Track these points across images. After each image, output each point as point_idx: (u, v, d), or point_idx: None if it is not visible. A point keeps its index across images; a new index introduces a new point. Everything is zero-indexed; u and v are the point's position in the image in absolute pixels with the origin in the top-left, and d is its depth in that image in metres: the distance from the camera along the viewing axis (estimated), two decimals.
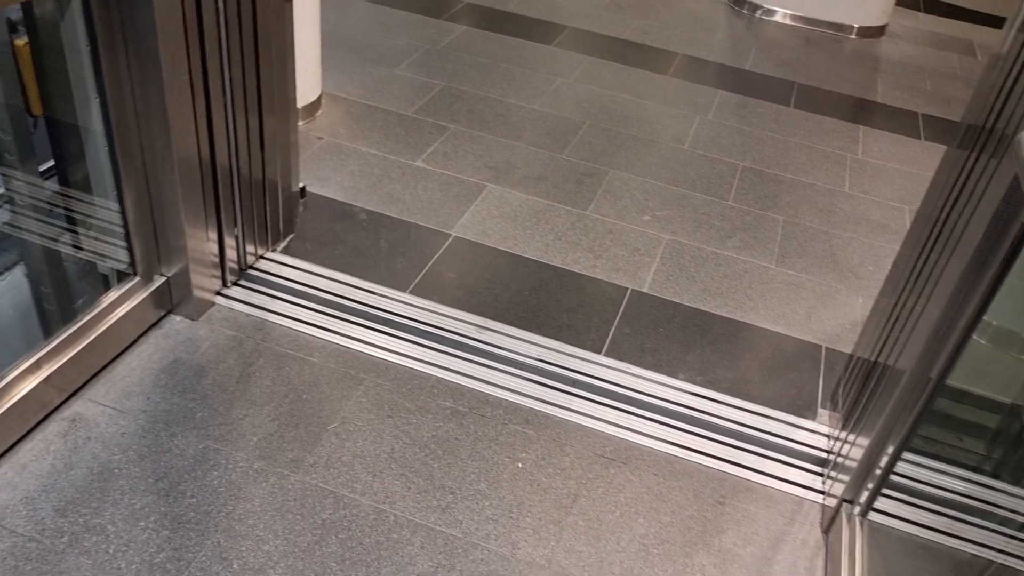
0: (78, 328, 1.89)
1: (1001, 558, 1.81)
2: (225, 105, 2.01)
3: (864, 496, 1.69)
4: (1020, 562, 1.79)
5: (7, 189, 2.09)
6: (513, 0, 4.52)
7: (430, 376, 2.07)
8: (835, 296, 2.57)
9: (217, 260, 2.20)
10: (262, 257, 2.39)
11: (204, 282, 2.15)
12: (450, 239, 2.57)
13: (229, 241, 2.21)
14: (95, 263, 2.13)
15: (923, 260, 1.69)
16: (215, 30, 1.88)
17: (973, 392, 2.19)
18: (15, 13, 1.76)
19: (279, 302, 2.23)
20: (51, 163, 2.07)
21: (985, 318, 2.38)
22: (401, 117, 3.18)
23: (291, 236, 2.49)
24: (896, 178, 3.30)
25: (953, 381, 2.12)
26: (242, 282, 2.29)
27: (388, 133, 3.07)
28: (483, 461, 1.87)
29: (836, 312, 2.50)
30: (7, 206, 2.11)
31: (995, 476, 2.00)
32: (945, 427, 2.08)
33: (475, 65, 3.68)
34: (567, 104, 3.48)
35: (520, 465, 1.87)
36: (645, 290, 2.48)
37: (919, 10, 5.39)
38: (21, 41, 1.80)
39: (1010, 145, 1.30)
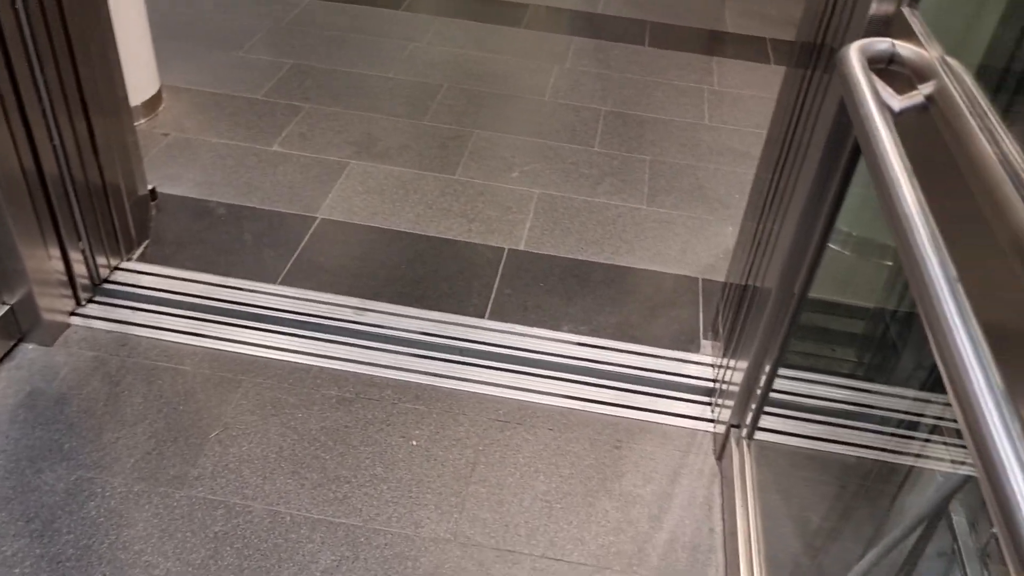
0: None
1: (884, 456, 1.91)
2: (44, 111, 1.86)
3: (749, 418, 1.74)
4: (899, 457, 1.89)
5: None
6: None
7: (311, 367, 2.00)
8: (706, 228, 2.63)
9: (65, 278, 2.05)
10: (117, 268, 2.25)
11: (54, 304, 2.01)
12: (317, 222, 2.48)
13: (75, 256, 2.07)
14: None
15: (775, 182, 1.73)
16: (17, 32, 1.72)
17: (842, 303, 2.29)
18: None
19: (141, 313, 2.11)
20: None
21: (846, 229, 2.48)
22: (251, 102, 3.04)
23: (146, 242, 2.35)
24: (752, 105, 3.38)
25: (822, 294, 2.21)
26: (98, 298, 2.15)
27: (239, 120, 2.93)
28: (376, 445, 1.83)
29: (709, 244, 2.56)
30: None
31: (868, 380, 2.10)
32: (819, 340, 2.16)
33: (323, 39, 3.55)
34: (423, 68, 3.40)
35: (415, 443, 1.84)
36: (522, 248, 2.46)
37: None
38: None
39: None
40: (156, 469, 1.74)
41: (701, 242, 2.56)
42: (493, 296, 2.27)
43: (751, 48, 3.89)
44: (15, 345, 2.00)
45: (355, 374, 1.99)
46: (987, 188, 0.87)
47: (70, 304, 2.09)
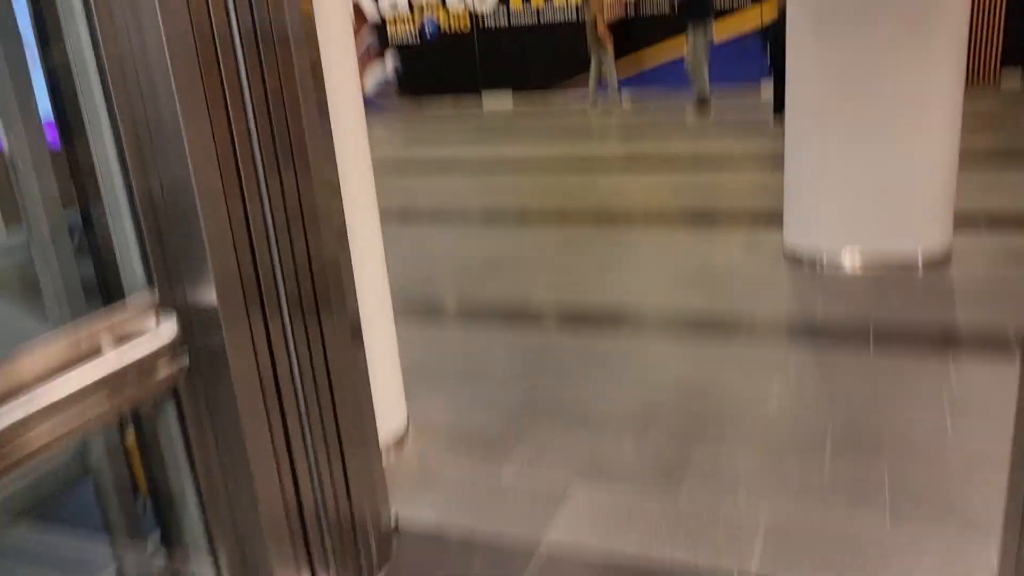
0: None
1: None
2: (307, 455, 2.13)
3: None
4: None
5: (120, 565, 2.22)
6: (583, 297, 4.78)
7: None
8: (964, 551, 2.35)
9: None
10: None
11: None
12: (543, 554, 2.51)
13: None
14: None
15: None
16: (291, 386, 2.05)
17: None
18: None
19: None
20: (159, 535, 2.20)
21: None
22: (486, 434, 3.27)
23: (387, 566, 2.49)
24: (1001, 408, 3.12)
25: None
26: None
27: (474, 453, 3.14)
28: None
29: (970, 569, 2.27)
30: None
31: None
32: None
33: (552, 370, 3.83)
34: (644, 390, 3.53)
35: None
36: (753, 572, 2.32)
37: (981, 228, 5.41)
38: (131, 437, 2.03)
39: None
40: None
41: (959, 567, 2.28)
42: None
43: (991, 346, 3.68)
44: None
45: None
46: None
47: None
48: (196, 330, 1.82)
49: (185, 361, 1.83)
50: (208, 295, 1.79)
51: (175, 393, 1.87)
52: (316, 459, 2.16)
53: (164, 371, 1.78)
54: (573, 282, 5.12)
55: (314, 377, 2.14)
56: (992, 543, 2.35)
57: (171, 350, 1.78)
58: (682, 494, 2.74)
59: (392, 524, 2.63)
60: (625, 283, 5.03)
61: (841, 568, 2.32)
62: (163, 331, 1.77)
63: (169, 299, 1.81)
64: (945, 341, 3.82)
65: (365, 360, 2.40)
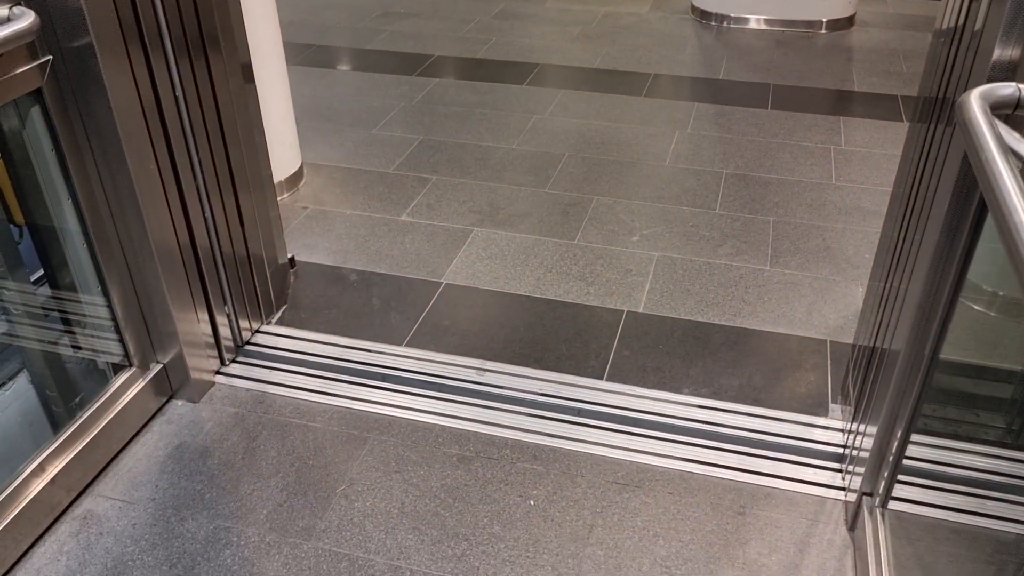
0: (79, 425, 1.91)
1: None
2: (198, 189, 2.04)
3: (882, 486, 1.65)
4: None
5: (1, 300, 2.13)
6: (483, 46, 4.60)
7: (434, 426, 2.06)
8: (834, 289, 2.54)
9: (212, 340, 2.21)
10: (258, 331, 2.40)
11: (201, 363, 2.17)
12: (441, 287, 2.58)
13: (221, 320, 2.23)
14: (93, 360, 2.15)
15: (901, 239, 1.67)
16: (177, 118, 1.92)
17: (989, 366, 2.15)
18: None
19: (278, 373, 2.24)
20: (40, 271, 2.11)
21: (991, 288, 2.34)
22: (383, 175, 3.22)
23: (284, 307, 2.51)
24: (883, 163, 3.28)
25: (965, 357, 2.08)
26: (240, 358, 2.30)
27: (371, 193, 3.10)
28: (494, 504, 1.85)
29: (837, 304, 2.47)
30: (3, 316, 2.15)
31: (1020, 448, 1.94)
32: (963, 405, 2.03)
33: (451, 115, 3.73)
34: (545, 139, 3.51)
35: (532, 503, 1.85)
36: (640, 310, 2.46)
37: None
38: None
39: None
40: (287, 521, 1.82)
41: (828, 303, 2.48)
42: (611, 358, 2.27)
43: (881, 106, 3.79)
44: (167, 401, 2.16)
45: (475, 433, 2.03)
46: None
47: (215, 364, 2.25)
48: (58, 28, 1.63)
49: (48, 56, 1.65)
50: None
51: (42, 102, 1.70)
52: (208, 197, 2.07)
53: (22, 63, 1.60)
54: (475, 31, 4.88)
55: (203, 115, 2.01)
56: (860, 282, 2.56)
57: (28, 36, 1.58)
58: (579, 237, 2.81)
59: (290, 264, 2.62)
60: (530, 34, 4.83)
61: (723, 303, 2.48)
62: (17, 17, 1.56)
63: None
64: (839, 98, 3.90)
65: (257, 101, 2.26)
